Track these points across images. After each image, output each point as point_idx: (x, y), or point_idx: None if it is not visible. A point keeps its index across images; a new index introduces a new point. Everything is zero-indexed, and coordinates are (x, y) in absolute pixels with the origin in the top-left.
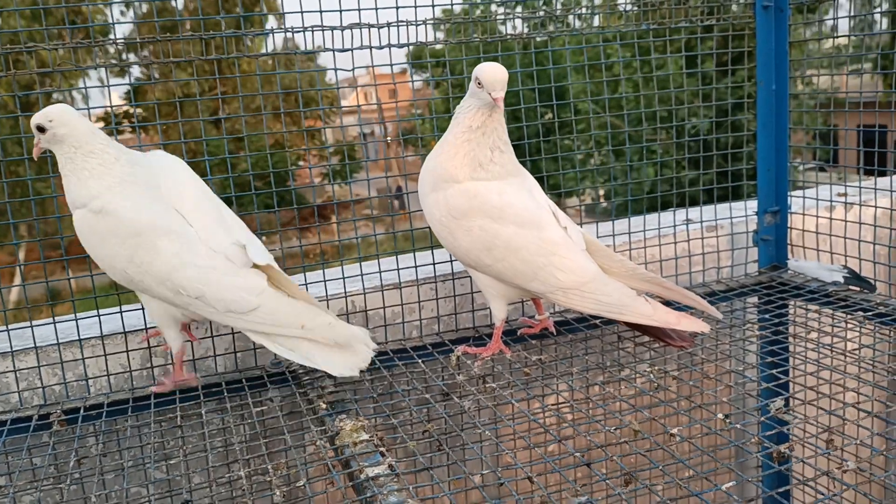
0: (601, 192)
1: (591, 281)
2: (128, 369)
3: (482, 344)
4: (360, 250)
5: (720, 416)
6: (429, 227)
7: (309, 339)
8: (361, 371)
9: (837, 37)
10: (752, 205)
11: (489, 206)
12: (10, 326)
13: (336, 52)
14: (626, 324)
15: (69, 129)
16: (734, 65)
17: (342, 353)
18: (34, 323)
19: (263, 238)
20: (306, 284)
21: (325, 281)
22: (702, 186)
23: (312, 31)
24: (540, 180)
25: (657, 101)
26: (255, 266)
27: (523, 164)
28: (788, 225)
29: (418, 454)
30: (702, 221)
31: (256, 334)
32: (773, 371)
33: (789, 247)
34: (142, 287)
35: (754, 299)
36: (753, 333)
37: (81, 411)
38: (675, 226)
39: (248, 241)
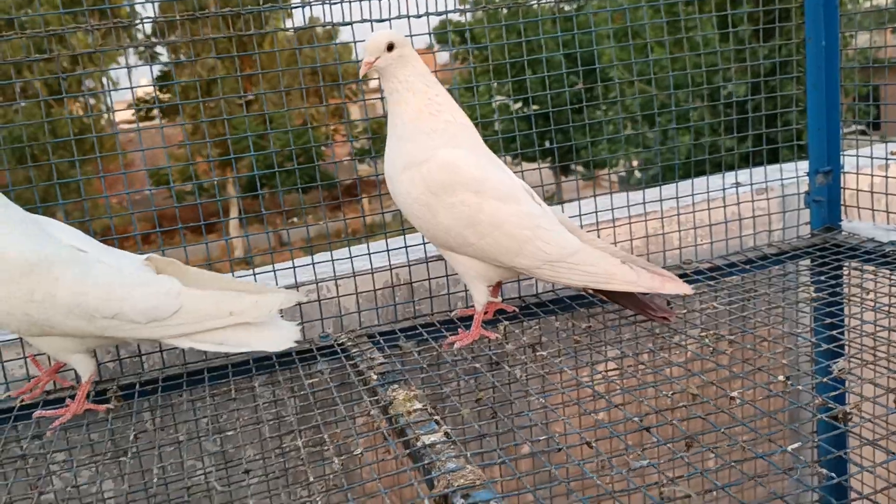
0: (634, 163)
1: (578, 251)
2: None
3: (515, 316)
4: (402, 222)
5: (781, 377)
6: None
7: (238, 323)
8: (297, 341)
9: None
10: (803, 165)
11: (470, 179)
12: None
13: (374, 23)
14: (607, 296)
15: None
16: (774, 25)
17: (274, 326)
18: None
19: (294, 219)
20: (351, 258)
21: (369, 254)
22: (751, 147)
23: (349, 4)
24: (572, 151)
25: (692, 66)
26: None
27: (556, 133)
28: (841, 185)
29: (473, 422)
30: (752, 184)
31: (182, 338)
32: (832, 333)
33: (843, 207)
34: (49, 326)
35: (807, 262)
36: (808, 296)
37: (137, 387)
38: (724, 189)
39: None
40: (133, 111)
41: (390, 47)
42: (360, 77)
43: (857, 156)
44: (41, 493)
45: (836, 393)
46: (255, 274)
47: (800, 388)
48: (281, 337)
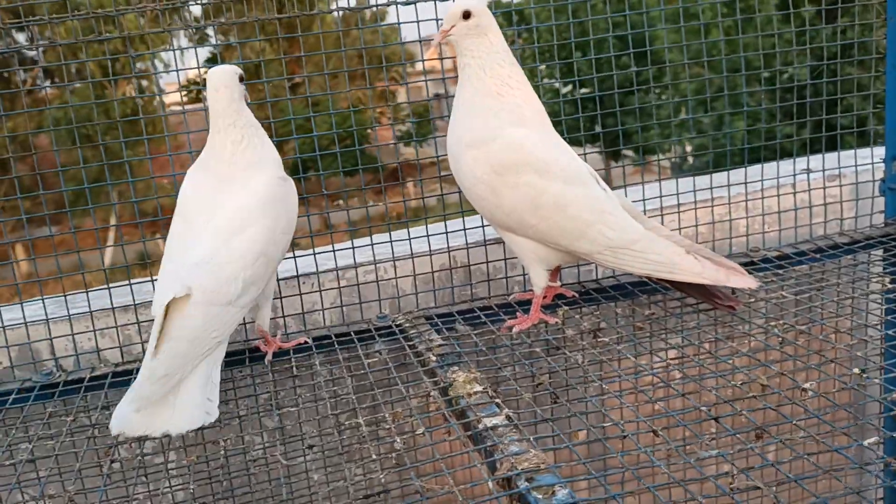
0: (688, 149)
1: (641, 239)
2: (241, 322)
3: (570, 301)
4: (461, 204)
5: (856, 370)
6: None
7: None
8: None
9: None
10: (879, 152)
11: (535, 160)
12: (132, 281)
13: (417, 3)
14: (670, 283)
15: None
16: (838, 7)
17: None
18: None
19: (339, 202)
20: (409, 240)
21: (427, 236)
22: (811, 134)
23: None
24: (621, 136)
25: (751, 49)
26: None
27: (604, 117)
28: None
29: (533, 406)
30: (823, 170)
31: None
32: None
33: None
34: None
35: (880, 252)
36: (881, 287)
37: None
38: (794, 175)
39: None
40: (183, 93)
41: (466, 15)
42: (438, 42)
43: None
44: (112, 461)
45: None
46: (315, 254)
47: (876, 381)
48: None
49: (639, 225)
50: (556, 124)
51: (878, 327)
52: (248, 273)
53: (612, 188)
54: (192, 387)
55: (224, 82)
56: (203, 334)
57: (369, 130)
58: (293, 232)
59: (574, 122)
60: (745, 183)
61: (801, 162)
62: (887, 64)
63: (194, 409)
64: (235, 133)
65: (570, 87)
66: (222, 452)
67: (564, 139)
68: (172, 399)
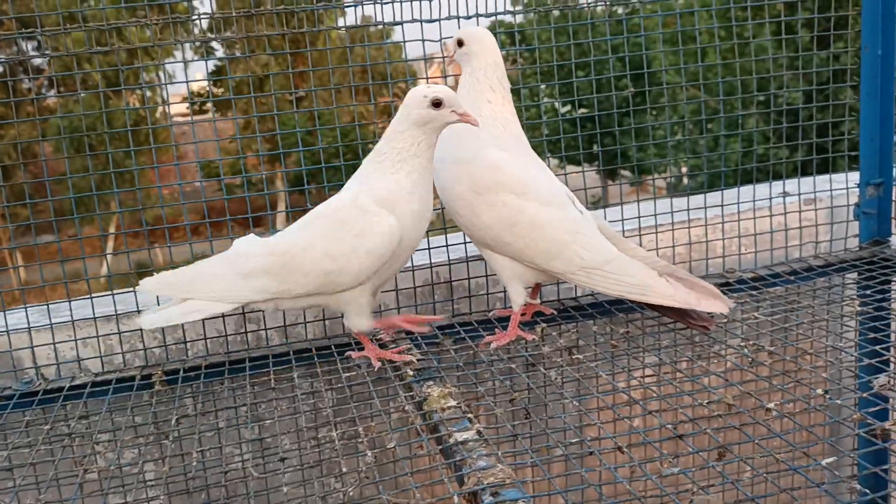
0: (683, 169)
1: (615, 260)
2: (223, 334)
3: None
4: (444, 220)
5: (819, 391)
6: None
7: None
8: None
9: None
10: (854, 177)
11: (513, 181)
12: (114, 291)
13: (423, 23)
14: (644, 303)
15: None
16: (831, 33)
17: None
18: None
19: None
20: None
21: None
22: (803, 157)
23: (401, 3)
24: (618, 156)
25: (746, 73)
26: None
27: (602, 137)
28: (893, 198)
29: (506, 422)
30: (799, 194)
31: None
32: (875, 347)
33: (893, 221)
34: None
35: (854, 275)
36: (853, 309)
37: (181, 373)
38: (770, 199)
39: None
40: (187, 105)
41: (460, 43)
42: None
43: None
44: (86, 470)
45: (878, 409)
46: None
47: (839, 402)
48: None
49: (613, 246)
50: (555, 143)
51: (850, 350)
52: (257, 263)
53: (607, 206)
54: (176, 309)
55: (406, 101)
56: (201, 281)
57: (371, 145)
58: (360, 261)
59: (572, 141)
60: (722, 205)
61: (778, 186)
62: (861, 92)
63: (157, 318)
64: (386, 146)
65: (568, 106)
66: (195, 465)
67: (562, 157)
68: (168, 306)
